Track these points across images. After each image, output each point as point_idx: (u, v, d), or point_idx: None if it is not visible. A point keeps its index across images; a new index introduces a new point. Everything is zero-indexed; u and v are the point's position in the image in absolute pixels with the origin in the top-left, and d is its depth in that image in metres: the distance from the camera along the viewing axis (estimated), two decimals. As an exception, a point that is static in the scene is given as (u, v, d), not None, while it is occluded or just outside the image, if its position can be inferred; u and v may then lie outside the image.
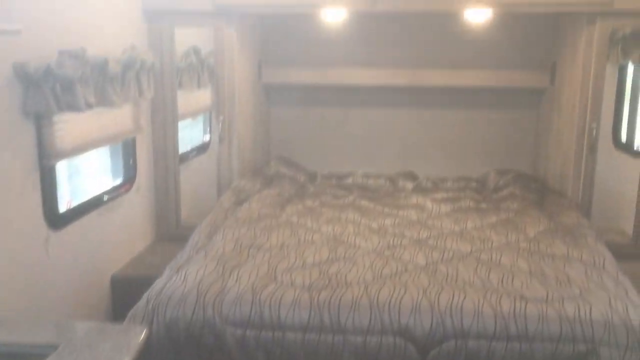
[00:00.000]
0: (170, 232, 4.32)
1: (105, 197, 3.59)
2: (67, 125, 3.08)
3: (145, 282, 2.95)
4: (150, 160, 4.22)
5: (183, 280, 2.87)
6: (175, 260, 3.21)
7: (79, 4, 3.23)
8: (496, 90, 4.86)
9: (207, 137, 5.21)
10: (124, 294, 3.59)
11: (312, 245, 3.32)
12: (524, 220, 3.74)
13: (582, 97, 3.97)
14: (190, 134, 5.04)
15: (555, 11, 3.85)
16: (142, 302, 2.80)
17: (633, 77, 4.52)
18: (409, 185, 4.68)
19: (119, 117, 3.63)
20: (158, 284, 2.89)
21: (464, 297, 2.70)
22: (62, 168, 3.49)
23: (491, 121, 5.04)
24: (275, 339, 2.64)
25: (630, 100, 4.59)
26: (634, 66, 4.44)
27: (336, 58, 4.94)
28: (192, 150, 4.98)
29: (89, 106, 3.06)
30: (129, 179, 3.91)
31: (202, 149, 5.14)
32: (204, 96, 4.76)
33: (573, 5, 3.78)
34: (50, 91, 2.80)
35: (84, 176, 3.81)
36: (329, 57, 4.95)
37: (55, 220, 3.12)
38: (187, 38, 4.39)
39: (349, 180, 4.81)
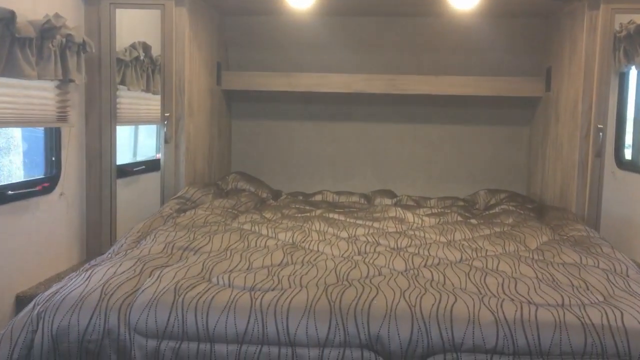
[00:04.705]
0: (102, 250, 3.60)
1: (10, 193, 2.89)
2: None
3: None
4: (82, 163, 3.57)
5: (85, 281, 2.17)
6: (88, 263, 2.52)
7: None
8: (484, 100, 4.33)
9: (159, 155, 4.58)
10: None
11: (263, 250, 2.65)
12: (522, 232, 3.11)
13: (585, 97, 3.44)
14: (139, 144, 4.40)
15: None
16: (27, 308, 2.10)
17: (637, 86, 4.01)
18: (387, 202, 4.06)
19: (36, 99, 3.02)
20: (54, 287, 2.20)
21: (455, 301, 2.04)
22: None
23: (479, 137, 4.49)
24: (200, 354, 1.94)
25: (635, 112, 4.07)
26: (638, 72, 3.94)
27: (305, 63, 4.42)
28: (140, 163, 4.33)
29: (-16, 65, 2.45)
30: (49, 178, 3.24)
31: (153, 165, 4.50)
32: (155, 104, 4.17)
33: (572, -12, 3.33)
34: None
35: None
36: (297, 63, 4.43)
37: None
38: (138, 34, 3.86)
39: (318, 198, 4.18)
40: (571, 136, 3.57)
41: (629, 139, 4.12)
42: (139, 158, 4.41)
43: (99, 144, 3.60)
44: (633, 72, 3.95)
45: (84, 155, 3.59)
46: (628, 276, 2.42)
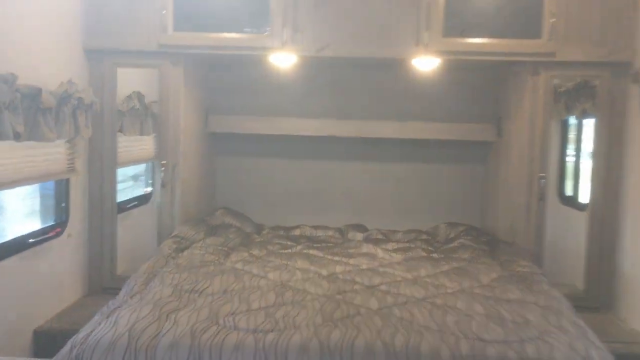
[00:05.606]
0: (103, 284, 4.00)
1: (30, 241, 3.28)
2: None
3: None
4: (85, 206, 3.95)
5: (113, 325, 2.59)
6: (107, 306, 2.92)
7: (14, 33, 3.07)
8: (444, 143, 4.87)
9: (148, 189, 4.97)
10: (48, 351, 3.22)
11: (257, 291, 3.10)
12: (476, 268, 3.64)
13: (529, 149, 3.99)
14: (131, 183, 4.79)
15: (501, 60, 3.94)
16: (64, 350, 2.51)
17: (576, 131, 4.61)
18: (359, 236, 4.54)
19: (51, 155, 3.40)
20: (85, 330, 2.61)
21: (421, 340, 2.53)
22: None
23: (439, 175, 5.03)
24: (215, 388, 2.38)
25: (574, 153, 4.66)
26: (576, 121, 4.53)
27: (283, 108, 4.89)
28: (132, 200, 4.72)
29: (17, 136, 2.83)
30: (60, 224, 3.62)
31: (142, 199, 4.89)
32: (146, 145, 4.57)
33: (517, 55, 3.86)
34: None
35: (6, 216, 3.49)
36: (276, 107, 4.89)
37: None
38: (130, 83, 4.25)
39: (297, 232, 4.64)
40: (518, 181, 4.11)
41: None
42: (130, 194, 4.78)
43: (101, 187, 3.98)
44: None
45: (87, 198, 3.96)
46: (561, 313, 2.95)
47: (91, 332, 2.56)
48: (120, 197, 4.38)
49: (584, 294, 4.01)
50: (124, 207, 4.45)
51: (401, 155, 5.03)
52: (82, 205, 3.90)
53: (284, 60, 4.02)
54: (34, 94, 2.95)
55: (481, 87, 4.85)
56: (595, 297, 3.97)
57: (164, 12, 3.80)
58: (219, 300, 2.90)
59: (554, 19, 3.75)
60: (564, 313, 2.94)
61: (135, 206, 4.70)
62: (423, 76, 4.53)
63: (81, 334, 2.57)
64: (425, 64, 4.03)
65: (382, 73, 4.82)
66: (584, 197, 4.29)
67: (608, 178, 3.92)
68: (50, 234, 3.50)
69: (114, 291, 3.43)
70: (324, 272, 3.51)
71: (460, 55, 3.88)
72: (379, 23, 3.87)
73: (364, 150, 5.02)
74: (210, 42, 3.85)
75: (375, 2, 3.88)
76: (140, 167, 4.94)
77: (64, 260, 3.71)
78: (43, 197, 3.62)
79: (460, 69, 4.69)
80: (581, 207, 4.37)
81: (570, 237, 4.43)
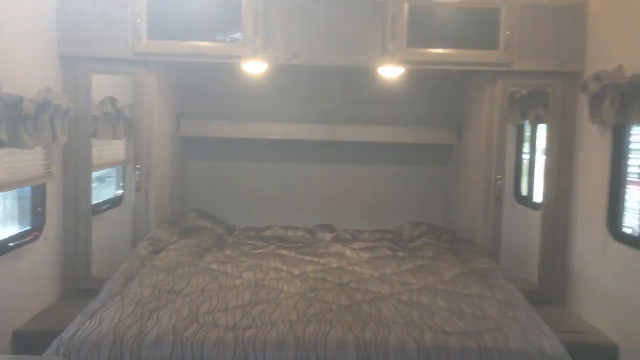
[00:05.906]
0: (78, 285, 4.08)
1: (9, 245, 3.36)
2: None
3: (51, 339, 2.73)
4: (60, 210, 4.02)
5: (98, 324, 2.72)
6: (89, 307, 3.03)
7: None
8: (407, 146, 5.11)
9: (119, 191, 5.06)
10: (27, 351, 3.30)
11: (233, 290, 3.26)
12: (439, 266, 3.87)
13: (487, 152, 4.24)
14: (96, 184, 4.86)
15: (460, 69, 4.20)
16: (51, 349, 2.63)
17: (530, 135, 4.89)
18: (328, 236, 4.73)
19: (29, 161, 3.48)
20: (70, 330, 2.72)
21: (388, 333, 2.73)
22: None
23: (403, 176, 5.27)
24: (197, 382, 2.54)
25: (529, 156, 4.94)
26: (531, 125, 4.81)
27: (254, 112, 5.05)
28: (104, 202, 4.80)
29: (1, 144, 2.92)
30: (37, 227, 3.70)
31: (114, 202, 4.98)
32: (118, 148, 4.66)
33: (476, 65, 4.11)
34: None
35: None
36: (247, 112, 5.04)
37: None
38: (103, 88, 4.33)
39: (268, 233, 4.81)
40: (476, 183, 4.37)
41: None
42: (102, 197, 4.86)
43: (76, 190, 4.05)
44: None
45: (62, 202, 4.04)
46: (516, 306, 3.19)
47: (76, 331, 2.68)
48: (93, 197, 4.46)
49: (538, 288, 4.27)
50: (96, 209, 4.52)
51: (367, 157, 5.25)
52: (57, 209, 3.97)
53: (255, 67, 4.18)
54: (15, 103, 3.04)
55: (442, 94, 5.11)
56: (548, 291, 4.23)
57: (138, 20, 3.90)
58: (198, 300, 3.05)
59: (509, 32, 4.00)
60: (519, 306, 3.19)
61: (107, 209, 4.78)
62: (389, 83, 4.73)
63: (66, 334, 2.68)
64: (391, 72, 4.24)
65: (350, 80, 5.02)
66: (538, 197, 4.57)
67: (559, 180, 4.19)
68: (28, 238, 3.57)
69: (89, 292, 3.51)
70: (296, 271, 3.68)
71: (423, 65, 4.11)
72: (347, 33, 4.07)
73: (331, 153, 5.22)
74: (184, 50, 3.98)
75: (343, 13, 4.08)
76: (106, 170, 5.02)
77: (41, 263, 3.78)
78: (20, 201, 3.69)
79: (424, 77, 4.91)
80: (535, 207, 4.64)
81: (525, 234, 4.70)
